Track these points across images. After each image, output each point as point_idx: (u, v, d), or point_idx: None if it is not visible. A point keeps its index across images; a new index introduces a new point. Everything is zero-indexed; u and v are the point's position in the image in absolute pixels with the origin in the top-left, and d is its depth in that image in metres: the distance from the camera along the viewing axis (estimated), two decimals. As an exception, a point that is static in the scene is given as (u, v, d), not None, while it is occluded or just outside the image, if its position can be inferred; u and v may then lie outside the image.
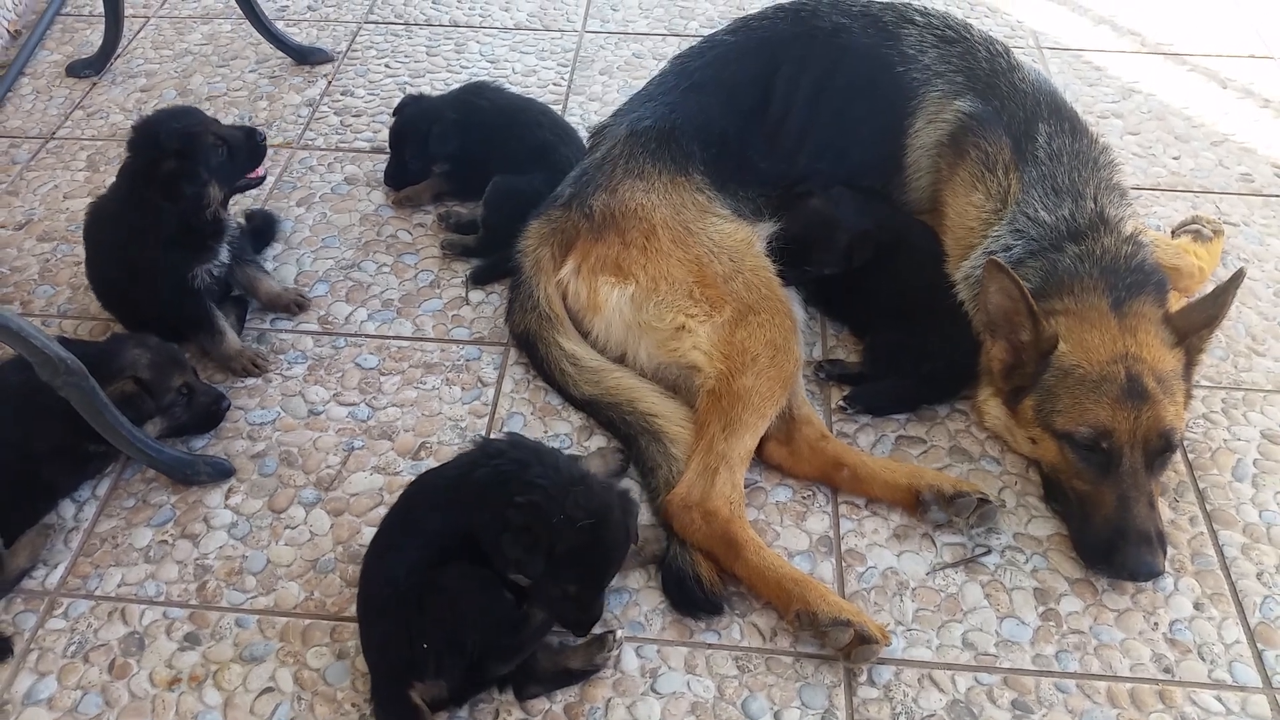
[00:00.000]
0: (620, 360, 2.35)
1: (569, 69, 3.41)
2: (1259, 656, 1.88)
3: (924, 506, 2.07)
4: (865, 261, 2.40)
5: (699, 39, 2.78)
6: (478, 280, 2.64)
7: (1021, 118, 2.36)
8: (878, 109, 2.50)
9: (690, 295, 2.27)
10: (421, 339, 2.50)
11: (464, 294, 2.61)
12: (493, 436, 2.18)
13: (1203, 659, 1.88)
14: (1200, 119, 3.18)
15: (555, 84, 3.34)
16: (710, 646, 1.90)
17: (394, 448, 2.25)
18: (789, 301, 2.31)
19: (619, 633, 1.87)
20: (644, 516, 2.08)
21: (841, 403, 2.32)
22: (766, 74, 2.55)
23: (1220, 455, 2.23)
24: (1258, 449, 2.24)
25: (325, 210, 2.86)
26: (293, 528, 2.10)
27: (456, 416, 2.32)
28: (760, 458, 2.18)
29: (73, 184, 2.95)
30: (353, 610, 1.86)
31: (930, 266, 2.39)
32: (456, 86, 2.96)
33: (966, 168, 2.37)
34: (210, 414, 2.25)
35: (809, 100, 2.52)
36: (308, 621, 1.92)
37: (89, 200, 2.49)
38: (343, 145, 3.09)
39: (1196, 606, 1.96)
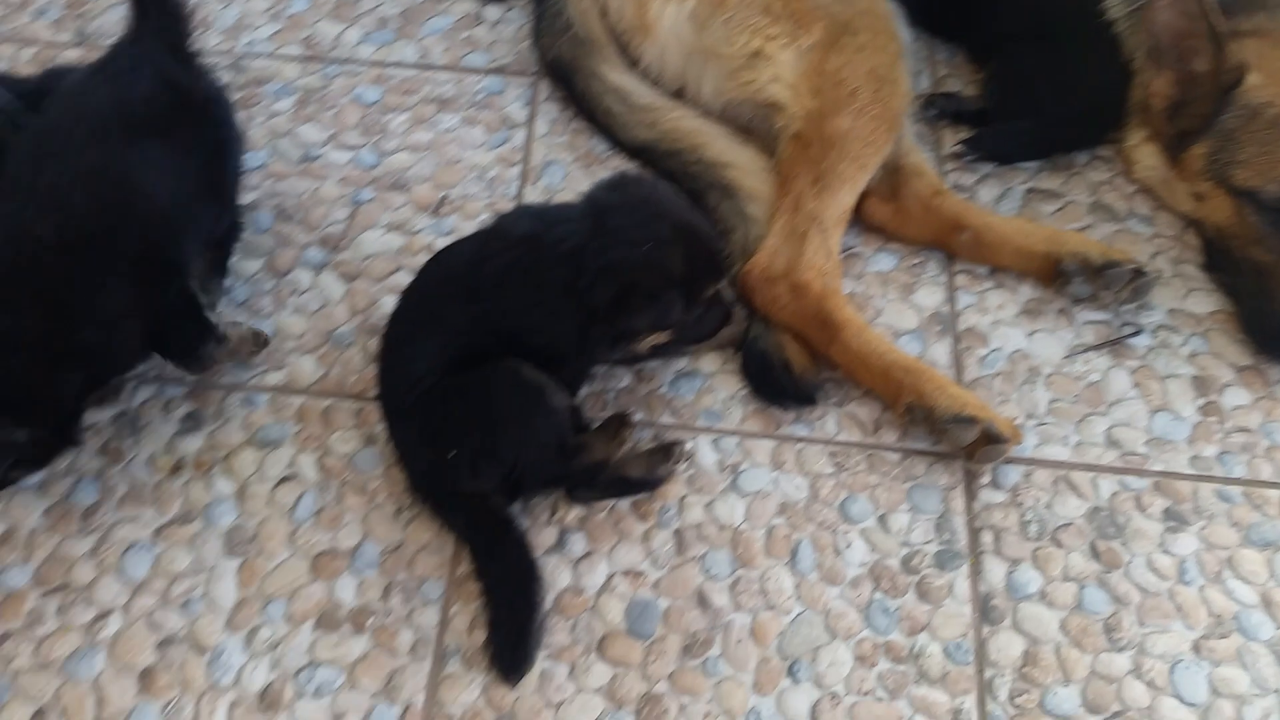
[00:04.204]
0: (680, 95, 1.89)
1: None
2: None
3: (1065, 278, 1.69)
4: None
5: None
6: None
7: None
8: None
9: (767, 10, 1.77)
10: (429, 66, 2.03)
11: (476, 10, 2.10)
12: (506, 211, 1.76)
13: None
14: None
15: None
16: (801, 440, 1.59)
17: (410, 200, 1.85)
18: (892, 17, 1.82)
19: (688, 444, 1.57)
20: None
21: (958, 147, 1.88)
22: None
23: None
24: None
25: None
26: (300, 293, 1.75)
27: (482, 165, 1.89)
28: (859, 217, 1.77)
29: None
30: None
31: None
32: None
33: None
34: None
35: None
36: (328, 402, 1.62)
37: None
38: None
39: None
